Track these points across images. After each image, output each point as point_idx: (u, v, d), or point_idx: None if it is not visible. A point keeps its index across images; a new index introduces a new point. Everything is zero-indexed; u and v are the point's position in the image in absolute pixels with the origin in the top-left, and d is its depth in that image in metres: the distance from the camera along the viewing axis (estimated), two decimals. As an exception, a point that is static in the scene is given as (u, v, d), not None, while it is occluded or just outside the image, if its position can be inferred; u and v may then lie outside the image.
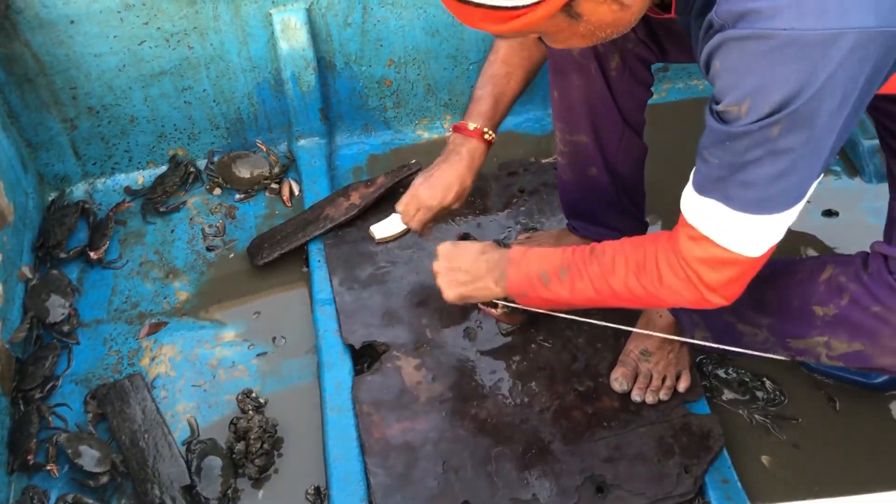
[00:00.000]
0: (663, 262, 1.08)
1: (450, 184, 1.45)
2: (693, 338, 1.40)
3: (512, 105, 1.45)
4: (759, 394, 1.49)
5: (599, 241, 1.52)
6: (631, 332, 1.49)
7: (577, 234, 1.60)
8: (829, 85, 0.85)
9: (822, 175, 0.96)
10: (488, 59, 1.44)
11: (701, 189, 1.00)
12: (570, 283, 1.18)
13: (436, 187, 1.45)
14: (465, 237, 1.70)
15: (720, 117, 0.93)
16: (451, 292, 1.33)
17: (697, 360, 1.55)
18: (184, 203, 1.87)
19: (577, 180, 1.52)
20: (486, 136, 1.44)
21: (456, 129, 1.44)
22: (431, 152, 1.98)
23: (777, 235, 1.00)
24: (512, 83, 1.42)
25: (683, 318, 1.39)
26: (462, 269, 1.32)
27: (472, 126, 1.43)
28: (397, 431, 1.42)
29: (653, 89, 1.40)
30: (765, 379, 1.50)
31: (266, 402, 1.53)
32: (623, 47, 1.31)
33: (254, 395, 1.54)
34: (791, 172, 0.92)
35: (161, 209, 1.85)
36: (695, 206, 1.02)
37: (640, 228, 1.61)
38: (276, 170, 1.91)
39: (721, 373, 1.53)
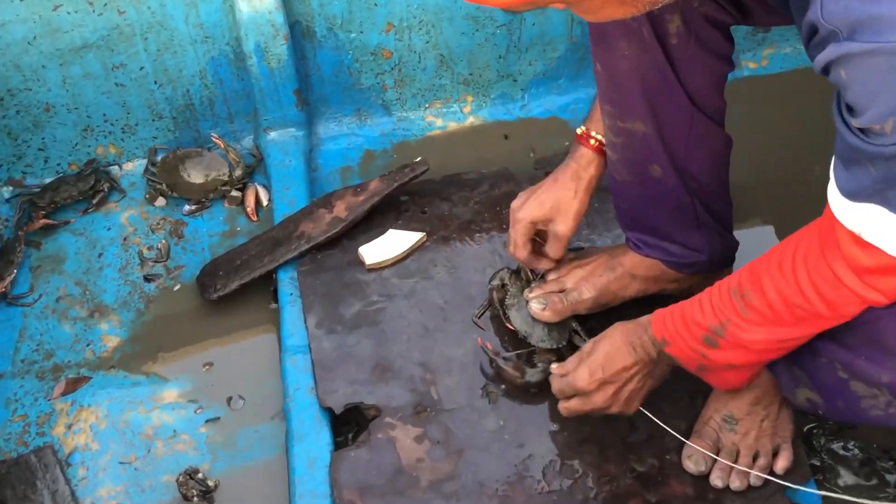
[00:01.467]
0: (824, 278, 1.12)
1: (545, 201, 1.53)
2: (795, 399, 1.36)
3: None
4: (891, 478, 1.44)
5: (670, 261, 1.52)
6: (710, 391, 1.46)
7: (641, 253, 1.57)
8: None
9: None
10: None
11: (853, 197, 1.03)
12: (735, 339, 1.23)
13: (530, 202, 1.54)
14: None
15: (862, 133, 0.96)
16: (632, 404, 1.41)
17: (805, 429, 1.51)
18: (66, 223, 1.87)
19: (636, 182, 1.50)
20: (593, 142, 1.51)
21: (576, 137, 1.53)
22: (447, 147, 2.02)
23: None
24: None
25: (782, 373, 1.36)
26: (624, 371, 1.37)
27: (591, 135, 1.51)
28: (389, 527, 1.40)
29: (744, 57, 1.37)
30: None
31: (216, 486, 1.52)
32: (686, 6, 1.29)
33: (200, 475, 1.53)
34: None
35: (34, 221, 1.85)
36: (850, 212, 1.05)
37: (726, 247, 1.58)
38: (238, 172, 1.90)
39: (838, 447, 1.49)
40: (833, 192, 1.05)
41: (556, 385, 1.43)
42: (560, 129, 2.02)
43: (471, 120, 2.05)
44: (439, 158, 1.95)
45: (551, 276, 1.60)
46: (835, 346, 1.21)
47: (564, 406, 1.43)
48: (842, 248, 1.08)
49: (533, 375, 1.52)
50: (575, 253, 1.67)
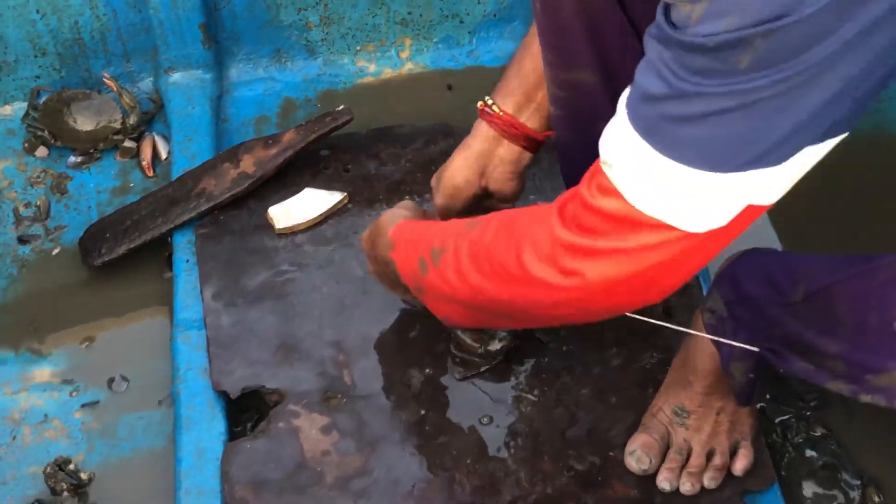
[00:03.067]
0: (535, 229, 1.12)
1: (447, 180, 1.53)
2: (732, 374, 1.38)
3: None
4: (853, 494, 1.46)
5: None
6: (662, 383, 1.48)
7: None
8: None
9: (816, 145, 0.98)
10: (524, 39, 1.48)
11: (630, 108, 1.02)
12: (442, 272, 1.25)
13: (441, 181, 1.54)
14: None
15: (668, 14, 0.95)
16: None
17: (777, 420, 1.53)
18: None
19: (583, 142, 1.49)
20: (516, 129, 1.49)
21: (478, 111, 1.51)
22: (380, 97, 2.02)
23: (721, 210, 1.01)
24: None
25: (724, 349, 1.38)
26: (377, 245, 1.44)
27: (494, 109, 1.49)
28: (286, 529, 1.41)
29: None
30: (863, 479, 1.48)
31: (90, 479, 1.52)
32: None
33: (72, 466, 1.52)
34: (753, 117, 0.94)
35: None
36: (616, 131, 1.04)
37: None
38: (133, 120, 1.90)
39: (808, 448, 1.51)
40: (620, 102, 1.04)
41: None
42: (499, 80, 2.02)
43: (409, 66, 2.05)
44: (370, 110, 1.95)
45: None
46: (787, 320, 1.23)
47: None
48: (581, 185, 1.07)
49: (494, 344, 1.53)
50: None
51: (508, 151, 1.49)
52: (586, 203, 1.06)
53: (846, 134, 1.01)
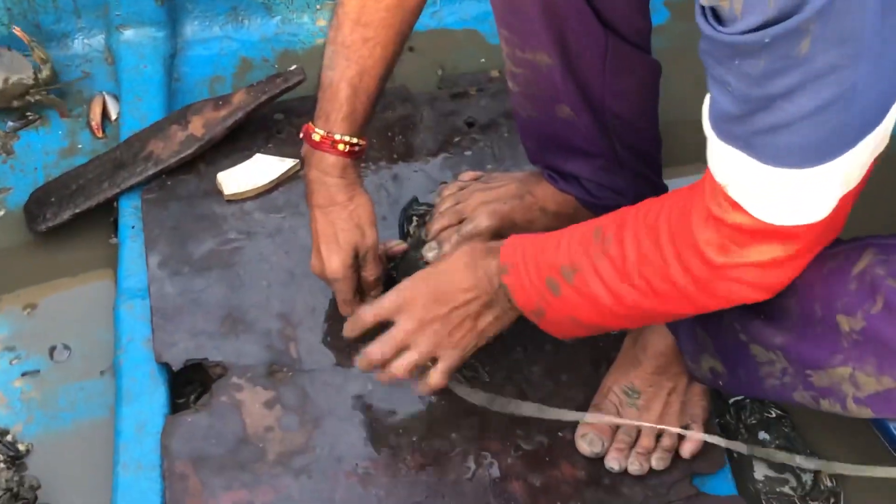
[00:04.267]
0: (672, 235, 1.13)
1: (339, 237, 1.45)
2: (698, 370, 1.37)
3: (381, 88, 1.42)
4: (806, 477, 1.46)
5: (588, 201, 1.52)
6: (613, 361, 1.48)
7: (557, 186, 1.58)
8: None
9: None
10: (333, 19, 1.39)
11: (718, 129, 1.02)
12: (581, 290, 1.21)
13: (326, 251, 1.45)
14: (413, 215, 1.65)
15: (714, 15, 0.93)
16: (464, 338, 1.33)
17: (731, 401, 1.53)
18: None
19: (542, 121, 1.50)
20: (343, 147, 1.40)
21: (314, 144, 1.41)
22: None
23: (848, 183, 1.03)
24: (377, 52, 1.38)
25: (684, 338, 1.37)
26: (461, 293, 1.31)
27: (317, 135, 1.40)
28: (225, 506, 1.40)
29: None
30: (816, 468, 1.46)
31: (28, 451, 1.51)
32: None
33: (10, 437, 1.51)
34: (843, 106, 0.93)
35: None
36: (717, 154, 1.04)
37: (656, 193, 1.56)
38: (46, 74, 1.85)
39: (762, 430, 1.51)
40: (705, 123, 1.04)
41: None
42: (476, 43, 1.99)
43: (370, 27, 2.01)
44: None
45: (447, 203, 1.60)
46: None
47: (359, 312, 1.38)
48: (707, 202, 1.07)
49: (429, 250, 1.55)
50: (475, 175, 1.66)
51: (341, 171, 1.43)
52: (722, 220, 1.06)
53: None
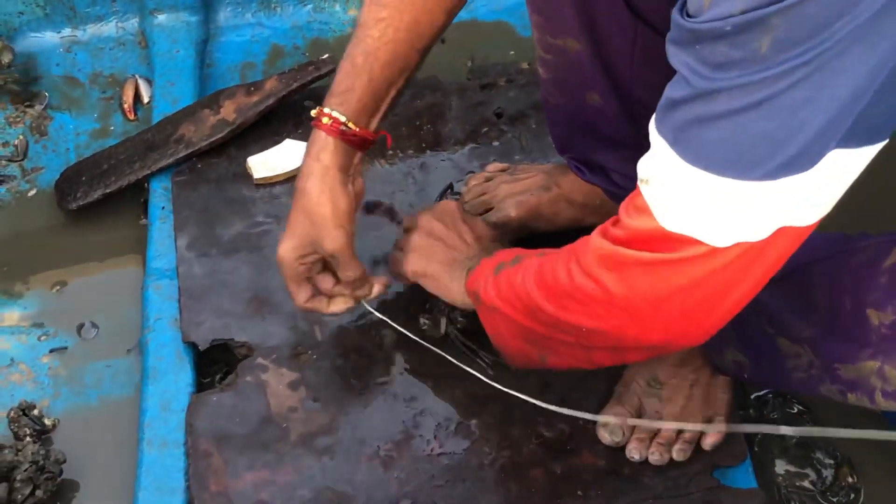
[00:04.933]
0: (582, 243, 1.12)
1: (295, 227, 1.37)
2: (721, 361, 1.37)
3: (389, 77, 1.36)
4: (826, 473, 1.46)
5: (614, 192, 1.54)
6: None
7: (583, 178, 1.58)
8: None
9: (840, 147, 0.94)
10: None
11: (658, 117, 0.99)
12: (507, 277, 1.23)
13: (285, 236, 1.39)
14: (446, 193, 1.68)
15: (683, 10, 0.93)
16: (415, 263, 1.45)
17: (753, 396, 1.53)
18: None
19: (571, 107, 1.49)
20: (345, 129, 1.35)
21: (313, 121, 1.37)
22: None
23: (750, 223, 0.97)
24: (388, 34, 1.34)
25: None
26: (443, 244, 1.42)
27: (324, 112, 1.36)
28: (247, 485, 1.41)
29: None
30: (838, 459, 1.47)
31: (55, 426, 1.53)
32: None
33: (36, 412, 1.52)
34: (779, 111, 0.90)
35: None
36: (651, 150, 1.01)
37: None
38: (8, 58, 1.87)
39: (783, 425, 1.49)
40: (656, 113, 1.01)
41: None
42: (507, 35, 1.99)
43: (401, 17, 2.02)
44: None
45: (473, 193, 1.61)
46: (764, 294, 1.22)
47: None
48: (619, 209, 1.05)
49: None
50: (502, 166, 1.68)
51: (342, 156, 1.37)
52: (620, 221, 1.05)
53: (885, 141, 0.98)
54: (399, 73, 1.36)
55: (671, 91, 0.96)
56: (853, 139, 0.95)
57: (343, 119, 1.34)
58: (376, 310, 1.48)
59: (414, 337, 1.48)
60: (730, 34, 0.87)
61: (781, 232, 0.98)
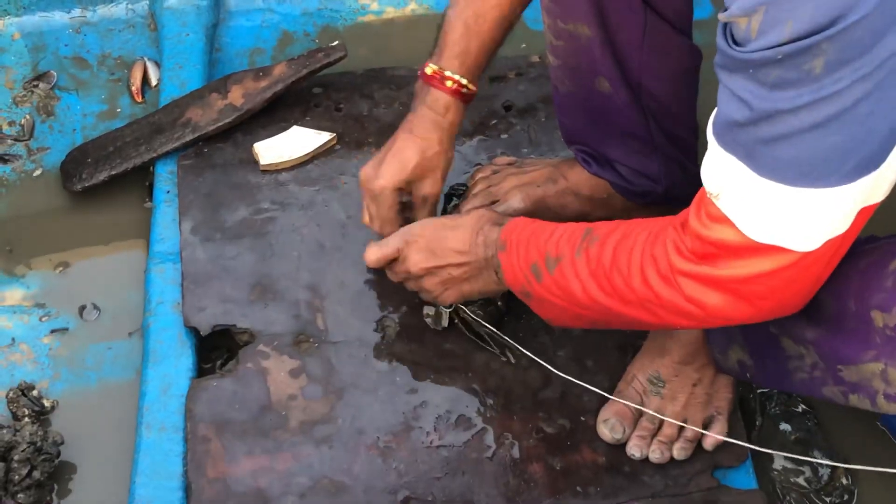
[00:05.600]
0: (654, 253, 1.14)
1: (407, 159, 1.46)
2: (725, 361, 1.37)
3: (497, 37, 1.47)
4: (823, 471, 1.46)
5: (620, 185, 1.54)
6: (640, 348, 1.47)
7: (590, 171, 1.59)
8: None
9: None
10: None
11: (721, 136, 1.03)
12: (559, 282, 1.25)
13: (387, 164, 1.46)
14: (452, 195, 1.66)
15: (732, 39, 0.96)
16: (446, 293, 1.43)
17: (759, 390, 1.52)
18: None
19: (581, 95, 1.50)
20: (466, 91, 1.45)
21: (425, 78, 1.46)
22: (381, 37, 1.99)
23: (835, 223, 1.02)
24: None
25: (713, 328, 1.36)
26: (453, 254, 1.39)
27: (430, 68, 1.45)
28: (245, 472, 1.41)
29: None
30: (835, 459, 1.46)
31: (53, 407, 1.53)
32: None
33: (36, 392, 1.52)
34: (847, 125, 0.94)
35: None
36: (714, 162, 1.05)
37: (688, 181, 1.57)
38: None
39: (784, 421, 1.51)
40: (708, 130, 1.04)
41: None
42: (518, 28, 1.91)
43: (412, 6, 2.03)
44: (370, 49, 1.94)
45: (480, 186, 1.61)
46: None
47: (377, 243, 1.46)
48: (690, 216, 1.08)
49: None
50: (508, 160, 1.68)
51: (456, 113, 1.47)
52: (699, 234, 1.07)
53: None
54: (504, 32, 1.46)
55: (730, 112, 0.99)
56: None
57: (464, 82, 1.44)
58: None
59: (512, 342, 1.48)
60: (782, 61, 0.91)
61: (860, 213, 1.04)
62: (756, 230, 1.03)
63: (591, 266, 1.21)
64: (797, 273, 1.06)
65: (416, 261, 1.40)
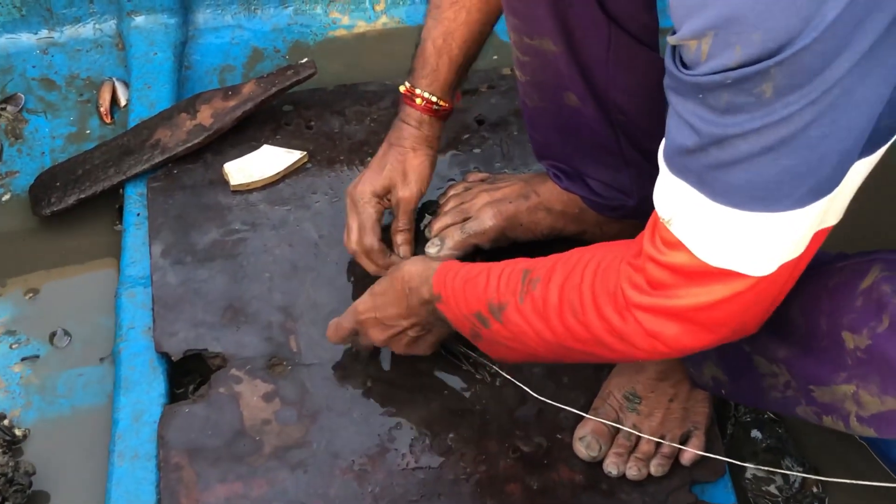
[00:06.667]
0: (606, 288, 1.12)
1: (382, 165, 1.54)
2: (700, 378, 1.36)
3: (468, 54, 1.52)
4: (793, 477, 1.46)
5: (592, 200, 1.53)
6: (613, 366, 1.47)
7: (561, 185, 1.58)
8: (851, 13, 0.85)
9: (859, 158, 0.97)
10: None
11: (671, 161, 1.02)
12: (508, 327, 1.25)
13: (366, 171, 1.55)
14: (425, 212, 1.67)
15: (676, 57, 0.95)
16: (417, 348, 1.45)
17: (733, 412, 1.52)
18: None
19: (550, 110, 1.49)
20: (437, 107, 1.52)
21: (402, 95, 1.54)
22: (352, 52, 2.00)
23: (789, 247, 1.01)
24: (461, 16, 1.48)
25: None
26: (400, 319, 1.41)
27: (403, 86, 1.53)
28: (220, 499, 1.40)
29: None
30: (806, 467, 1.47)
31: (25, 436, 1.51)
32: None
33: (7, 422, 1.51)
34: (798, 149, 0.93)
35: None
36: (666, 188, 1.03)
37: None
38: None
39: (755, 428, 1.51)
40: (659, 156, 1.03)
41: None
42: (491, 39, 1.97)
43: (384, 20, 2.02)
44: (341, 65, 1.94)
45: (452, 203, 1.60)
46: None
47: (335, 322, 1.46)
48: (644, 241, 1.06)
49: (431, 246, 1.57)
50: (481, 176, 1.67)
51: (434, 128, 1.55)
52: (655, 259, 1.06)
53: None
54: (475, 49, 1.52)
55: (680, 138, 0.97)
56: (869, 148, 0.98)
57: (434, 99, 1.51)
58: None
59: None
60: (731, 85, 0.90)
61: (815, 236, 1.03)
62: (710, 254, 1.01)
63: (538, 309, 1.20)
64: (753, 297, 1.05)
65: (373, 335, 1.43)
